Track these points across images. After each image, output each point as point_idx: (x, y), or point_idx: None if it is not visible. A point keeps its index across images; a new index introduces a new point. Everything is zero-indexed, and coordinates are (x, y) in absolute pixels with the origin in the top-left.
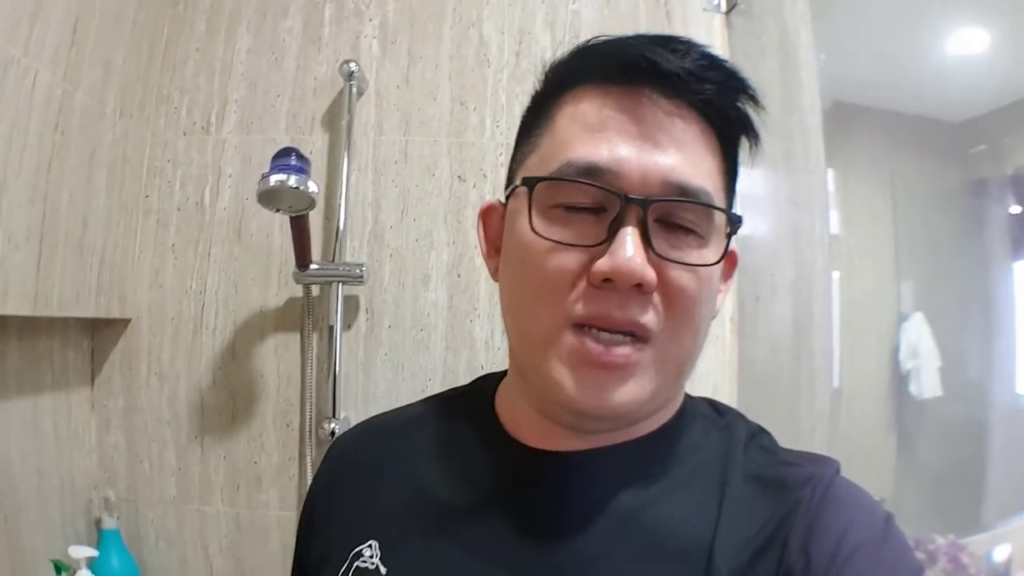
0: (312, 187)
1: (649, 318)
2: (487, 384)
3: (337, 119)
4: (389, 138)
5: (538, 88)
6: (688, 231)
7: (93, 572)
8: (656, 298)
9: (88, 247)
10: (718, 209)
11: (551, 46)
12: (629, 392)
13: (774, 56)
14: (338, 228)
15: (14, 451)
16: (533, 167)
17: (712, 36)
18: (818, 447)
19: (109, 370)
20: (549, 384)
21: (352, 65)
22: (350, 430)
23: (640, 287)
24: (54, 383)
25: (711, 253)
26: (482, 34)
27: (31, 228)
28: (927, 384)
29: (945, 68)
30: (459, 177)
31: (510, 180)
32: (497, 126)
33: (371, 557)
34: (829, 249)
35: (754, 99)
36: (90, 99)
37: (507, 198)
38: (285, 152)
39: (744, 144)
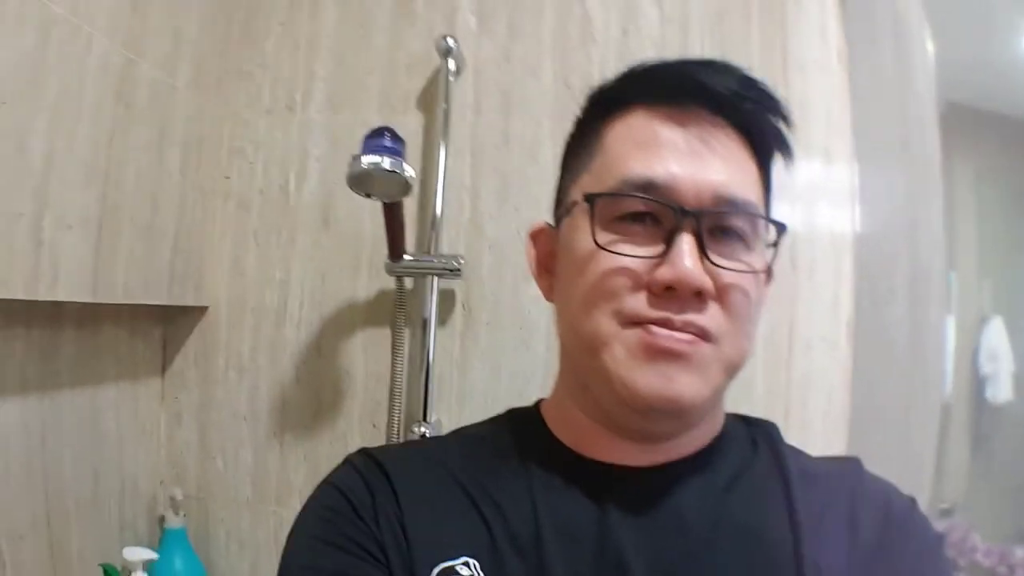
0: (408, 170)
1: (707, 321)
2: (525, 412)
3: (432, 99)
4: (488, 119)
5: (581, 114)
6: (736, 237)
7: (155, 574)
8: (711, 304)
9: (159, 231)
10: (765, 219)
11: (659, 22)
12: (692, 384)
13: (887, 39)
14: (434, 216)
15: (66, 450)
16: (588, 185)
17: (825, 16)
18: (927, 458)
19: (182, 362)
20: (614, 382)
21: (449, 40)
22: (381, 450)
23: (699, 294)
24: (119, 375)
25: (757, 259)
26: (586, 9)
27: (88, 209)
28: (1003, 389)
29: None
30: None
31: (559, 201)
32: None
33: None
34: (946, 247)
35: (786, 119)
36: (159, 71)
37: (557, 220)
38: (378, 132)
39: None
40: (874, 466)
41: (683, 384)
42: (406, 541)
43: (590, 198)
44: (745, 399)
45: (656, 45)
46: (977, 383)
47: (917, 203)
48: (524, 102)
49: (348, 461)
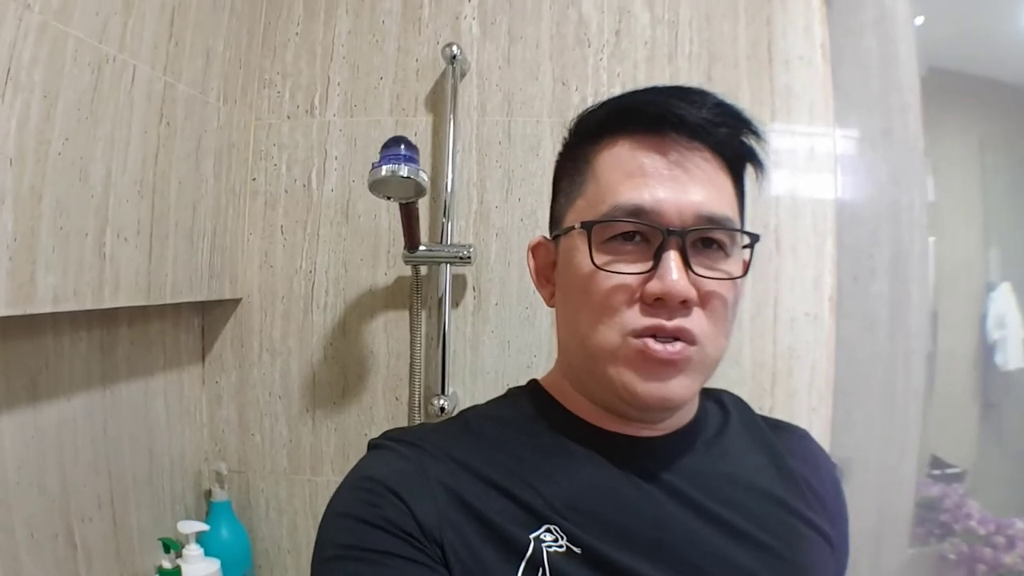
0: (423, 177)
1: (693, 324)
2: (534, 391)
3: (440, 101)
4: (492, 119)
5: (569, 138)
6: (716, 247)
7: (204, 543)
8: (696, 309)
9: (199, 232)
10: (740, 232)
11: (651, 24)
12: (682, 384)
13: (872, 33)
14: (446, 209)
15: (124, 436)
16: (583, 210)
17: (811, 13)
18: (912, 424)
19: (220, 348)
20: (617, 386)
21: (455, 48)
22: (418, 436)
23: (685, 303)
24: (166, 364)
25: (735, 265)
26: (581, 13)
27: (141, 221)
28: (1012, 355)
29: None
30: None
31: (555, 219)
32: None
33: (556, 541)
34: (928, 230)
35: (757, 135)
36: (193, 89)
37: (554, 236)
38: (394, 141)
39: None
40: (859, 431)
41: (675, 386)
42: (476, 518)
43: (587, 225)
44: (735, 371)
45: (647, 46)
46: (985, 350)
47: (899, 187)
48: (525, 102)
49: (385, 447)
